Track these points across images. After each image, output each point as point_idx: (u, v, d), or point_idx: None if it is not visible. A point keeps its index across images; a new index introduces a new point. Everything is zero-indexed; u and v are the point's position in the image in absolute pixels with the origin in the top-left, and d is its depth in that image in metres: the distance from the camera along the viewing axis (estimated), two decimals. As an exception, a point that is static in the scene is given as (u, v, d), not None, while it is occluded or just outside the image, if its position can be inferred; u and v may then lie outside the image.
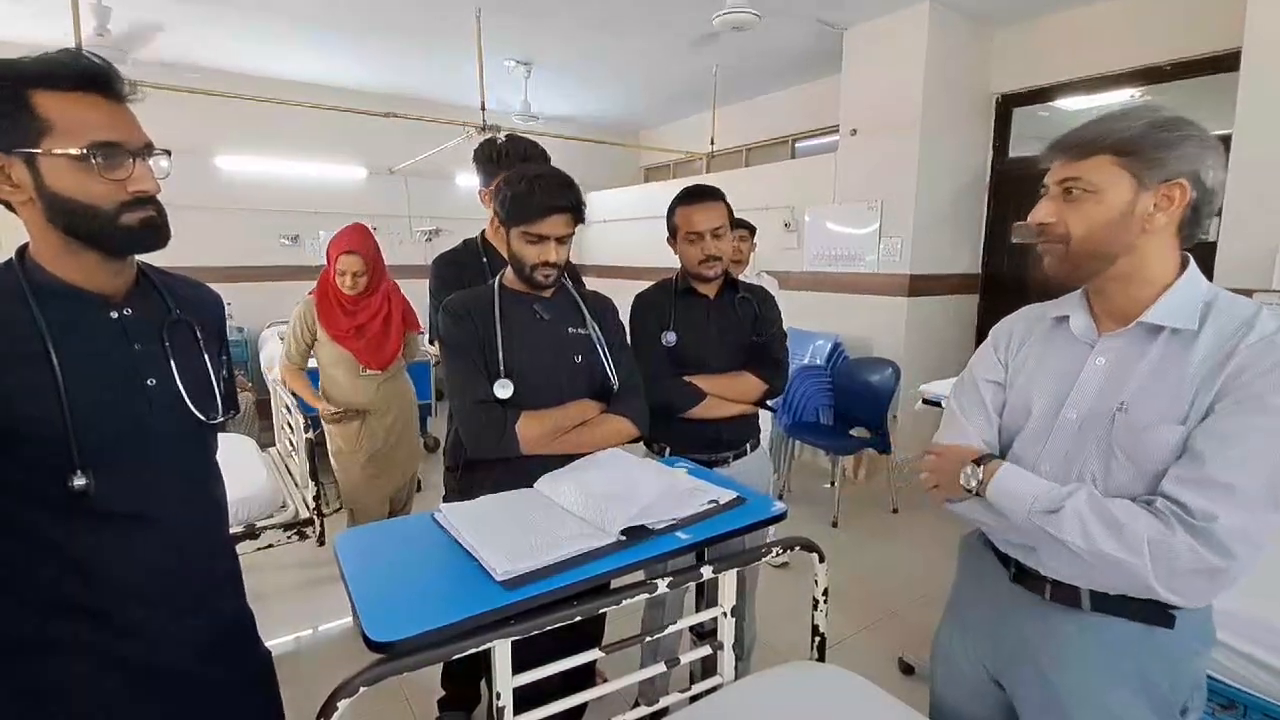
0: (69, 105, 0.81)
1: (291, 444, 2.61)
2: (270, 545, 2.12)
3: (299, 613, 2.59)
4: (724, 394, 1.71)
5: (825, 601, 1.28)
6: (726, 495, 1.23)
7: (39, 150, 0.80)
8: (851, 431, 3.77)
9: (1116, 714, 0.93)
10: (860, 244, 4.19)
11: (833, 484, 3.59)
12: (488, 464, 1.38)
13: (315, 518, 2.18)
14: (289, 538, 2.15)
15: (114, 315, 0.91)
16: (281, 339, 2.62)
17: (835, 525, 3.45)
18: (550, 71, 5.08)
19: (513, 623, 0.92)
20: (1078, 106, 3.85)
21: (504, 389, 1.35)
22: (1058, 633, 0.97)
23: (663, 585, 1.07)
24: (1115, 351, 0.94)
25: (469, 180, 6.23)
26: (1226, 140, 2.58)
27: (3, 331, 0.82)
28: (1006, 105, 4.10)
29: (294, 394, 2.48)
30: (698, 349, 1.73)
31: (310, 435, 2.26)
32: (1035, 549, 0.96)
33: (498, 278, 1.47)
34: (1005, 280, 4.14)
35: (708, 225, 1.68)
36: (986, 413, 1.07)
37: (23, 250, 0.89)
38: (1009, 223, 4.09)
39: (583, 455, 1.36)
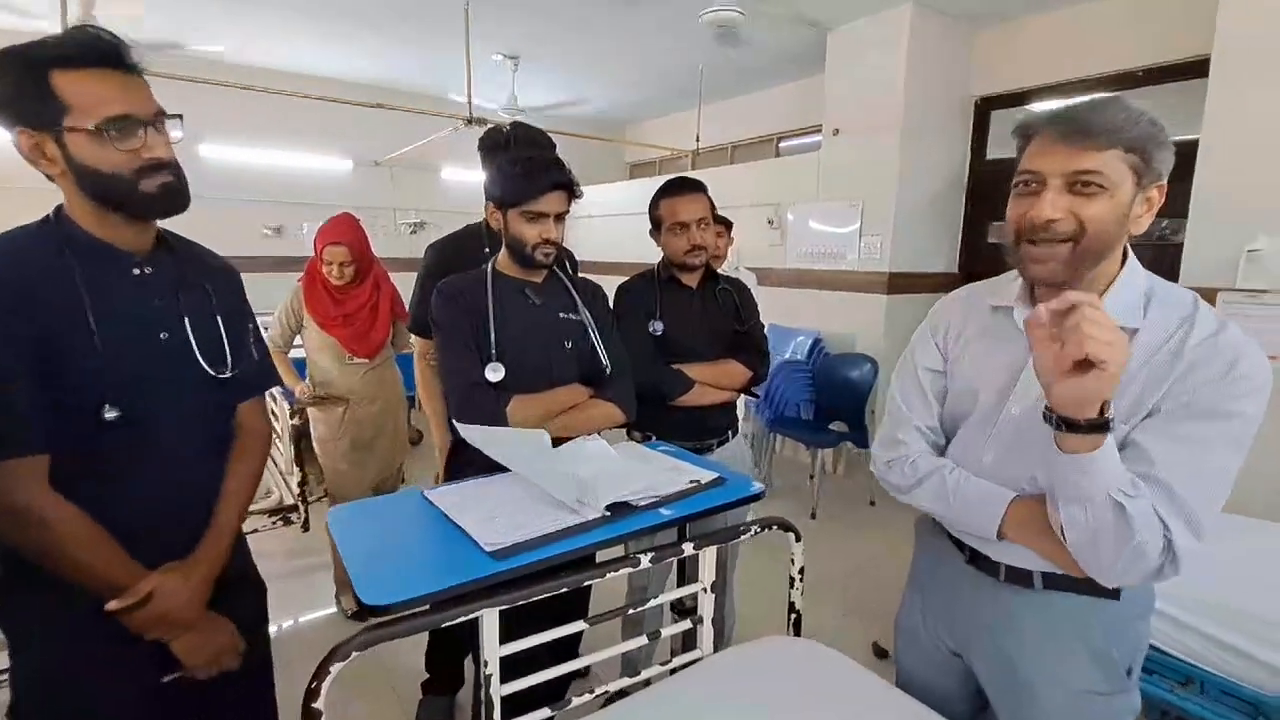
0: (84, 83, 0.89)
1: (276, 431, 2.61)
2: (255, 530, 2.13)
3: (282, 599, 2.58)
4: (712, 381, 1.75)
5: (801, 579, 1.33)
6: (707, 475, 1.27)
7: (62, 128, 0.89)
8: (831, 426, 3.84)
9: (1071, 683, 0.97)
10: (841, 242, 4.26)
11: (812, 477, 3.65)
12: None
13: (300, 504, 2.20)
14: (274, 523, 2.16)
15: (135, 272, 1.00)
16: (265, 329, 2.61)
17: (814, 517, 3.52)
18: (537, 66, 5.10)
19: (500, 592, 0.95)
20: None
21: (495, 372, 1.38)
22: (1012, 611, 1.00)
23: (645, 560, 1.11)
24: None
25: (455, 173, 6.23)
26: (1195, 145, 2.67)
27: (46, 281, 0.91)
28: (985, 108, 4.19)
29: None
30: (685, 338, 1.77)
31: (295, 422, 2.27)
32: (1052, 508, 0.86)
33: (490, 263, 1.50)
34: (979, 280, 4.21)
35: (692, 216, 1.72)
36: (926, 401, 1.08)
37: (59, 208, 0.98)
38: (986, 224, 4.19)
39: (571, 439, 1.39)
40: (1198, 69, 2.75)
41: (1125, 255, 0.92)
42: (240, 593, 1.16)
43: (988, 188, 4.19)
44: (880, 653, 2.33)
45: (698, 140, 5.39)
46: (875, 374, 3.72)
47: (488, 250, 1.79)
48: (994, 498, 0.96)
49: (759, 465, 3.82)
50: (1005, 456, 0.97)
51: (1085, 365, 0.72)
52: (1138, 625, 0.99)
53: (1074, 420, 0.76)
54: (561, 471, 1.12)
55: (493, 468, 1.31)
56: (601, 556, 1.14)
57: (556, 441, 1.37)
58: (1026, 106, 4.02)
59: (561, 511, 1.10)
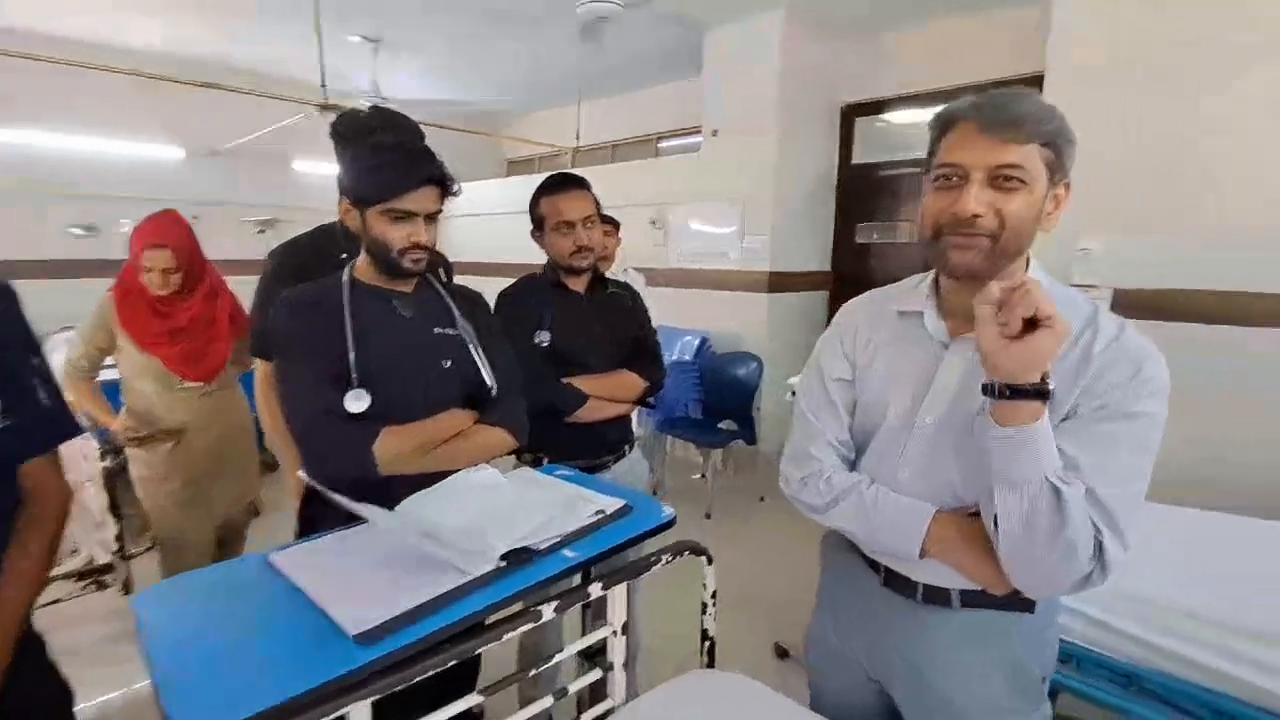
0: None
1: (86, 473, 2.16)
2: (57, 600, 1.73)
3: (105, 675, 2.14)
4: (607, 394, 1.63)
5: (714, 604, 1.24)
6: (614, 504, 1.15)
7: None
8: (720, 424, 3.86)
9: (990, 699, 0.95)
10: (723, 242, 4.30)
11: (703, 476, 3.64)
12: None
13: (118, 561, 1.82)
14: (83, 589, 1.77)
15: None
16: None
17: (709, 517, 3.52)
18: (402, 51, 4.73)
19: (372, 680, 0.77)
20: (904, 120, 4.21)
21: (357, 401, 1.15)
22: (930, 632, 0.97)
23: (548, 611, 0.97)
24: (972, 355, 0.86)
25: (308, 165, 5.67)
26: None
27: None
28: (851, 114, 4.39)
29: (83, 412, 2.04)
30: (575, 348, 1.63)
31: (108, 463, 1.87)
32: (989, 498, 0.83)
33: (347, 269, 1.27)
34: (850, 279, 4.41)
35: (578, 214, 1.59)
36: (836, 412, 1.03)
37: None
38: (854, 225, 4.41)
39: (453, 473, 1.21)
40: (1037, 84, 3.00)
41: (1028, 257, 0.90)
42: (30, 701, 0.90)
43: (854, 191, 4.40)
44: (781, 653, 2.33)
45: (578, 138, 5.27)
46: (760, 372, 3.79)
47: (345, 255, 1.53)
48: (915, 513, 0.92)
49: (654, 471, 3.76)
50: (921, 468, 0.94)
51: (1031, 326, 0.74)
52: (1048, 633, 0.98)
53: (1019, 385, 0.76)
54: (442, 519, 0.95)
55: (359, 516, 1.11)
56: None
57: (440, 476, 1.19)
58: (884, 115, 4.27)
59: (444, 569, 0.93)
